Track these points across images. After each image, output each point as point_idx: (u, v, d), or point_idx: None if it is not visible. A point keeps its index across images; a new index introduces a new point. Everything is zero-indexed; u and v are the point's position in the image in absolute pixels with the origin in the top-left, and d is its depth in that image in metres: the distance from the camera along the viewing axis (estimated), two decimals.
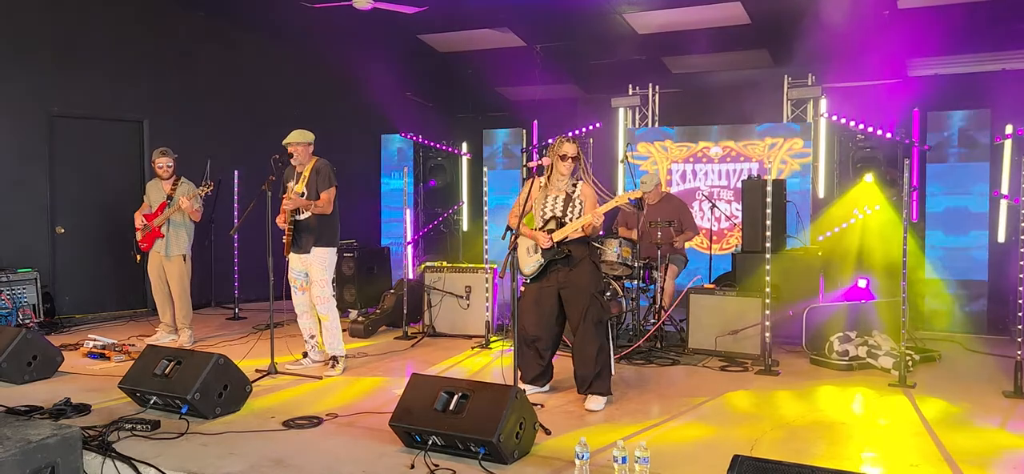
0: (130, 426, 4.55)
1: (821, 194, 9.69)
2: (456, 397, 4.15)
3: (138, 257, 7.41)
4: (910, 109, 9.04)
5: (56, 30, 8.68)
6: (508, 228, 4.95)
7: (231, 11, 9.80)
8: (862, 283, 7.32)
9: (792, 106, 9.81)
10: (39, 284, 8.18)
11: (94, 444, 4.24)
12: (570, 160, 5.28)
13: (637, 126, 10.63)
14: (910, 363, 6.16)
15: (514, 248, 4.70)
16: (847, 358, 6.36)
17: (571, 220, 5.20)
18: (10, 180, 8.41)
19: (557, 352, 5.58)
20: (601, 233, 6.21)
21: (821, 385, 5.83)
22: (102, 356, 6.71)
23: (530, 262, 5.33)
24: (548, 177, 5.40)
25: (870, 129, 9.13)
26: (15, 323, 7.69)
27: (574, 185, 5.33)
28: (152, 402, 4.94)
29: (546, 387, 5.53)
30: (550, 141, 10.78)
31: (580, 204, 5.25)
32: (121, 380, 5.15)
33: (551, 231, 5.20)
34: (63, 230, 8.82)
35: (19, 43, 8.44)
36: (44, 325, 7.99)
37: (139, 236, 7.32)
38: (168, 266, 7.30)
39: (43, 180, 8.65)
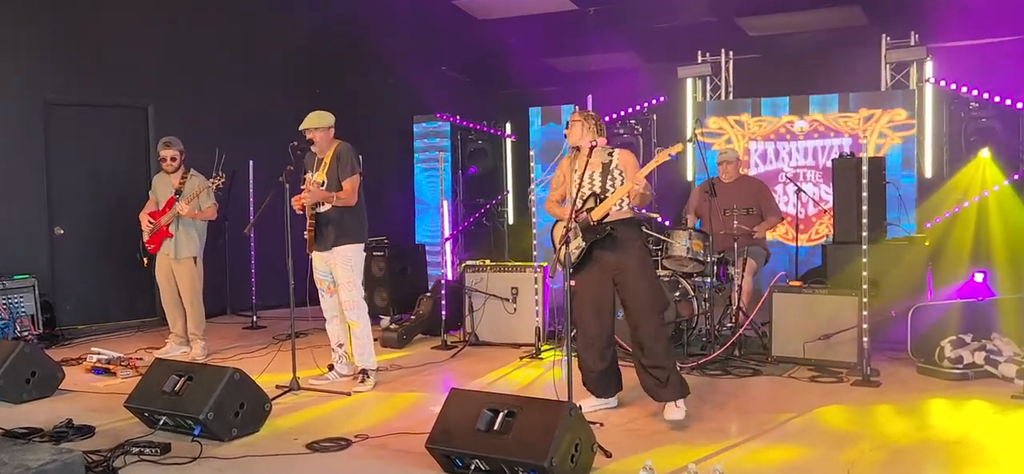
0: (137, 450, 4.65)
1: (928, 173, 9.46)
2: (501, 415, 4.15)
3: (145, 261, 7.55)
4: None
5: (50, 8, 8.89)
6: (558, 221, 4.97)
7: None
8: (979, 277, 7.15)
9: (892, 71, 9.59)
10: (37, 292, 8.40)
11: (98, 470, 4.34)
12: (573, 142, 5.33)
13: (708, 99, 10.51)
14: None
15: (565, 242, 4.70)
16: (961, 366, 6.22)
17: (612, 194, 5.18)
18: (2, 176, 8.63)
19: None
20: (663, 220, 6.15)
21: (930, 398, 5.73)
22: (107, 372, 6.87)
23: (572, 248, 5.31)
24: (574, 155, 5.41)
25: (986, 95, 8.88)
26: (12, 336, 7.91)
27: (610, 154, 5.32)
28: (162, 423, 5.04)
29: (615, 400, 5.52)
30: (608, 118, 10.79)
31: (619, 173, 5.23)
32: (127, 398, 5.27)
33: (590, 209, 5.18)
34: (62, 231, 9.05)
35: (9, 23, 8.66)
36: (43, 337, 8.21)
37: (145, 237, 7.47)
38: (177, 269, 7.44)
39: (39, 175, 8.87)
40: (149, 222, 7.41)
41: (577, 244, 5.25)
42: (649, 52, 11.63)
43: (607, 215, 5.16)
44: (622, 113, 10.74)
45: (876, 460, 4.47)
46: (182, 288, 7.47)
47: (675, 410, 5.16)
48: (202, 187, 7.38)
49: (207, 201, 7.44)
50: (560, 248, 4.74)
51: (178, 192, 7.39)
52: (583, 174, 5.18)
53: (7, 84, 8.66)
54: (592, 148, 5.26)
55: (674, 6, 10.05)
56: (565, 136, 5.44)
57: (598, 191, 5.23)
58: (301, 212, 6.16)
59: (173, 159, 7.45)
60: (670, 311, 5.27)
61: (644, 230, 5.43)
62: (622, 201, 5.21)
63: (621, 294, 5.28)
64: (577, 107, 5.52)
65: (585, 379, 5.45)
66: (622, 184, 5.19)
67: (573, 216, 4.94)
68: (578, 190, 5.15)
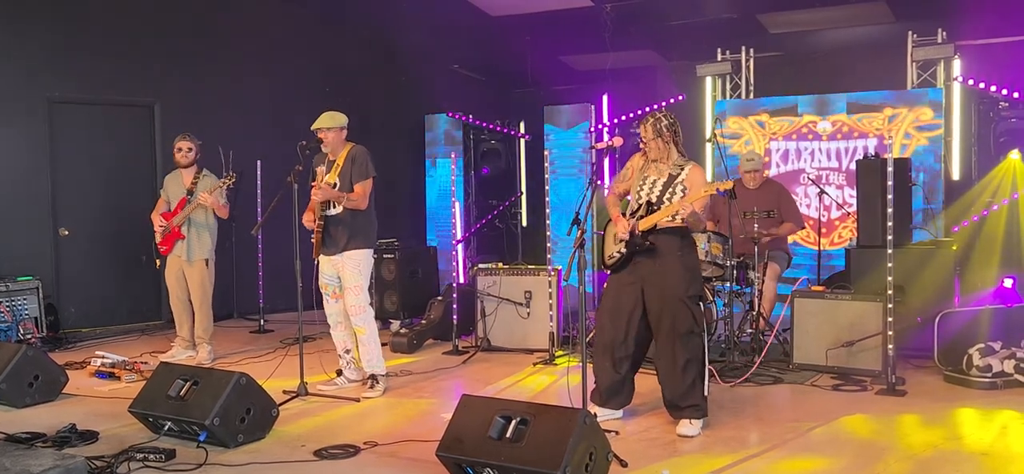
0: (142, 456, 4.68)
1: (956, 175, 9.41)
2: (514, 422, 4.15)
3: (157, 262, 7.59)
4: None
5: (53, 3, 8.94)
6: (574, 222, 4.93)
7: None
8: (1008, 283, 7.11)
9: (918, 69, 9.53)
10: (41, 294, 8.44)
11: None
12: (645, 145, 5.27)
13: (728, 97, 10.47)
14: None
15: (581, 245, 4.68)
16: (990, 374, 6.18)
17: (663, 209, 5.12)
18: (6, 176, 8.69)
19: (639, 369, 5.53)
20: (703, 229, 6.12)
21: (958, 408, 5.70)
22: (111, 376, 6.91)
23: (613, 249, 5.30)
24: (646, 154, 5.34)
25: (1016, 95, 8.82)
26: (15, 338, 7.95)
27: (681, 167, 5.24)
28: (166, 428, 5.06)
29: (620, 412, 5.48)
30: (624, 118, 10.77)
31: (682, 190, 5.15)
32: (132, 403, 5.30)
33: (640, 218, 5.14)
34: (67, 232, 9.10)
35: (12, 19, 8.71)
36: (47, 341, 8.26)
37: (158, 238, 7.49)
38: (189, 271, 7.46)
39: (44, 175, 8.93)
40: (161, 223, 7.43)
41: (619, 247, 5.24)
42: (667, 50, 11.62)
43: (654, 229, 5.11)
44: (639, 112, 10.69)
45: (902, 471, 4.45)
46: (193, 290, 7.50)
47: (689, 427, 5.12)
48: (215, 186, 7.39)
49: (221, 199, 7.45)
50: (575, 251, 4.71)
51: (190, 192, 7.42)
52: (647, 179, 5.22)
53: (10, 82, 8.71)
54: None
55: (694, 2, 10.03)
56: (641, 146, 5.35)
57: (654, 201, 5.17)
58: (310, 227, 6.18)
59: (190, 150, 7.46)
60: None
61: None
62: (673, 215, 5.13)
63: (648, 306, 5.20)
64: (648, 116, 5.33)
65: (594, 388, 5.42)
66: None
67: (581, 232, 4.74)
68: (637, 194, 5.21)
